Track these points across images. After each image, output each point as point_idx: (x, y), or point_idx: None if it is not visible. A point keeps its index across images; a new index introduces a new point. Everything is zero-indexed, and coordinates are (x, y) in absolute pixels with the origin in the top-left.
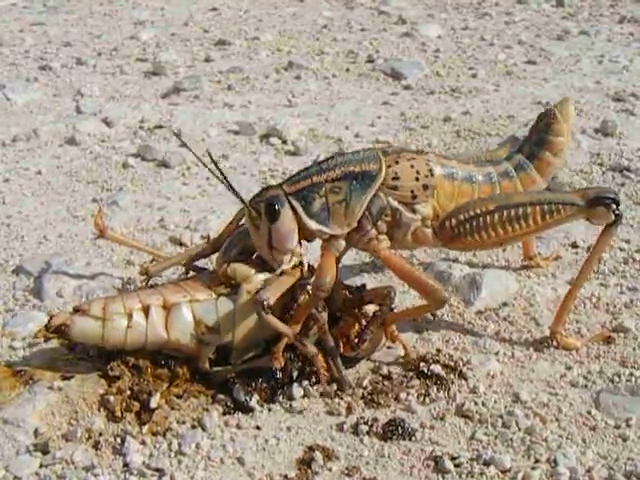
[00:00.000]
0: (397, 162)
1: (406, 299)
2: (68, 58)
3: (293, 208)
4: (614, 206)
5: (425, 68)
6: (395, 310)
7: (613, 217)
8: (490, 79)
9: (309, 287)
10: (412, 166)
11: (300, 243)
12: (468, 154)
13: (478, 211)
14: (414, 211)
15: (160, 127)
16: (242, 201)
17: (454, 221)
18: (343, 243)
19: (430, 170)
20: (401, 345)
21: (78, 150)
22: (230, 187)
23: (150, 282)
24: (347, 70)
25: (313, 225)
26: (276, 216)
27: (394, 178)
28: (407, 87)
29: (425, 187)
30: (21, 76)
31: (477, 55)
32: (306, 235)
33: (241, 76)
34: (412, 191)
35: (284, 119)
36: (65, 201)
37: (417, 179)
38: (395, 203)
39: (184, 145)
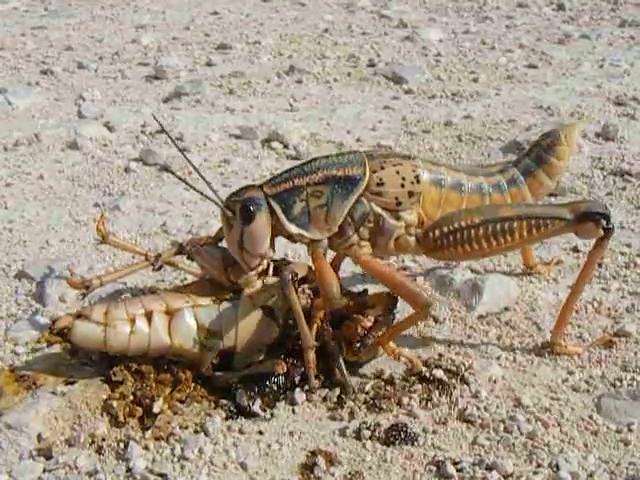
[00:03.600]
0: (382, 167)
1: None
2: (69, 62)
3: (272, 210)
4: (604, 222)
5: (426, 72)
6: (395, 314)
7: (602, 233)
8: (491, 83)
9: (309, 292)
10: (398, 172)
11: (273, 248)
12: (462, 164)
13: (463, 224)
14: (398, 218)
15: (161, 131)
16: (217, 200)
17: (437, 232)
18: (326, 245)
19: (417, 176)
20: (406, 360)
21: (80, 154)
22: (208, 184)
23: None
24: (348, 74)
25: (293, 229)
26: (250, 219)
27: (378, 184)
28: (408, 91)
29: (410, 194)
30: (23, 80)
31: (478, 59)
32: (286, 237)
33: (242, 80)
34: (397, 198)
35: (286, 123)
36: (67, 206)
37: (402, 185)
38: (378, 209)
39: (166, 169)
